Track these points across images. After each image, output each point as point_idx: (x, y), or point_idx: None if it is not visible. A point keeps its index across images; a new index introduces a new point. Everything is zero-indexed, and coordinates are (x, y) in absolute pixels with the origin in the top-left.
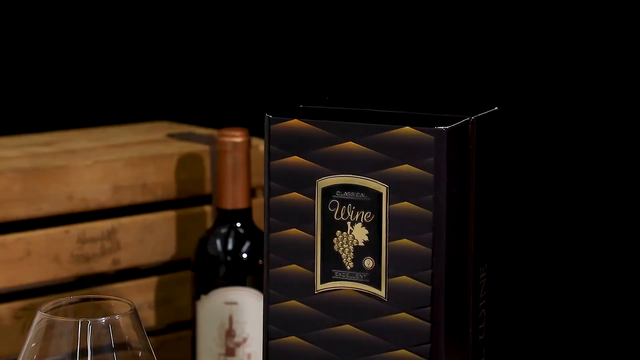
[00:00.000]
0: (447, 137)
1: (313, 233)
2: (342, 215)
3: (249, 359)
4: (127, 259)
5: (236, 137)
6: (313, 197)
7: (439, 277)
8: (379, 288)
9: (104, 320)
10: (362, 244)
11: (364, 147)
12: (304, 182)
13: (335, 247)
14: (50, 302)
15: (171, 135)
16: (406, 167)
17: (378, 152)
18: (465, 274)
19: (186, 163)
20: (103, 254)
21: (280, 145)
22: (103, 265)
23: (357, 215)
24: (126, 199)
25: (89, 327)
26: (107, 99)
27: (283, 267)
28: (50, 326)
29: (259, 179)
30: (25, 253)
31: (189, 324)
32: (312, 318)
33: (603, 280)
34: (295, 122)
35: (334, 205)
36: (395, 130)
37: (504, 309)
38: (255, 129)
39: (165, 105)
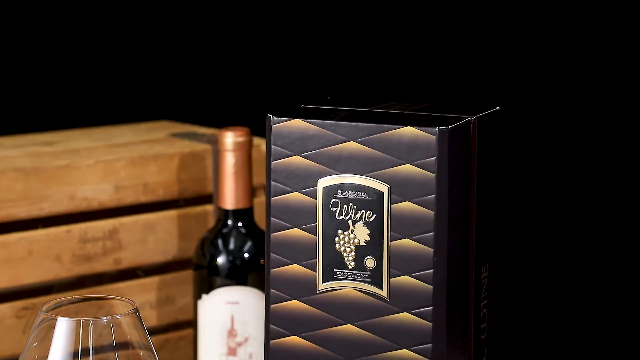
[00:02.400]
0: (449, 137)
1: (314, 233)
2: (343, 214)
3: (250, 359)
4: (128, 258)
5: (238, 136)
6: (314, 196)
7: (441, 277)
8: (381, 288)
9: (105, 320)
10: (364, 244)
11: (365, 147)
12: (306, 181)
13: (337, 247)
14: (52, 302)
15: (173, 135)
16: (408, 167)
17: (380, 152)
18: (466, 274)
19: (188, 163)
20: (105, 254)
21: (281, 144)
22: (105, 264)
23: (358, 215)
24: (128, 198)
25: (91, 327)
26: (108, 99)
27: (284, 267)
28: (51, 326)
29: (260, 178)
30: (26, 253)
31: (191, 324)
32: (314, 318)
33: (603, 280)
34: (296, 122)
35: (335, 205)
36: (396, 130)
37: (505, 309)
38: (256, 129)
39: (166, 105)
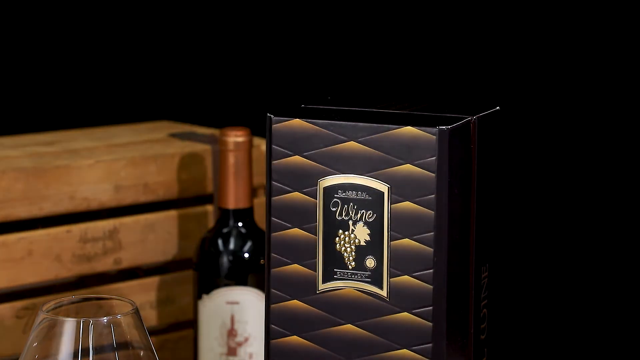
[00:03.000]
0: (449, 137)
1: (315, 233)
2: (343, 214)
3: (250, 359)
4: (128, 258)
5: (238, 136)
6: (315, 196)
7: (441, 276)
8: (381, 288)
9: (105, 320)
10: (364, 244)
11: (365, 147)
12: (306, 181)
13: (337, 247)
14: (52, 302)
15: (173, 135)
16: (408, 167)
17: (380, 152)
18: (466, 274)
19: (188, 163)
20: (105, 254)
21: (281, 144)
22: (105, 264)
23: (358, 215)
24: (128, 198)
25: (91, 327)
26: (108, 99)
27: (285, 267)
28: (51, 326)
29: (260, 178)
30: (26, 252)
31: (191, 324)
32: (314, 318)
33: (603, 280)
34: (296, 122)
35: (335, 205)
36: (397, 130)
37: (505, 308)
38: (257, 129)
39: (166, 105)
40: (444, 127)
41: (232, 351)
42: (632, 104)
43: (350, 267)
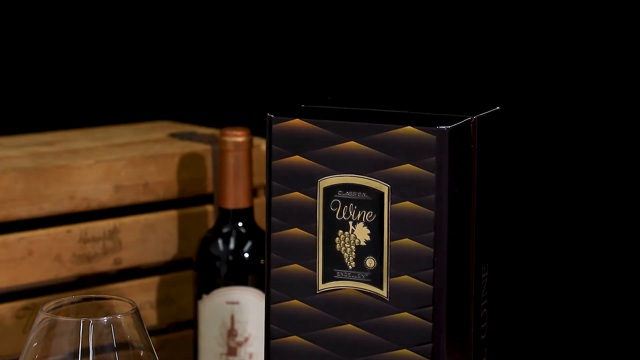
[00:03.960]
0: (449, 137)
1: (315, 233)
2: (344, 214)
3: (250, 359)
4: (128, 258)
5: (238, 136)
6: (315, 196)
7: (441, 276)
8: (381, 288)
9: (105, 320)
10: (364, 244)
11: (365, 147)
12: (306, 181)
13: (337, 247)
14: (52, 302)
15: (173, 135)
16: (408, 167)
17: (380, 152)
18: (467, 274)
19: (188, 163)
20: (105, 254)
21: (281, 144)
22: (105, 264)
23: (359, 215)
24: (128, 198)
25: (91, 327)
26: (108, 99)
27: (285, 267)
28: (51, 326)
29: (260, 178)
30: (27, 252)
31: (191, 324)
32: (314, 318)
33: (603, 280)
34: (297, 122)
35: (335, 205)
36: (397, 130)
37: (505, 308)
38: (257, 129)
39: (166, 105)
40: (444, 127)
41: (232, 351)
42: (632, 104)
43: (350, 267)
